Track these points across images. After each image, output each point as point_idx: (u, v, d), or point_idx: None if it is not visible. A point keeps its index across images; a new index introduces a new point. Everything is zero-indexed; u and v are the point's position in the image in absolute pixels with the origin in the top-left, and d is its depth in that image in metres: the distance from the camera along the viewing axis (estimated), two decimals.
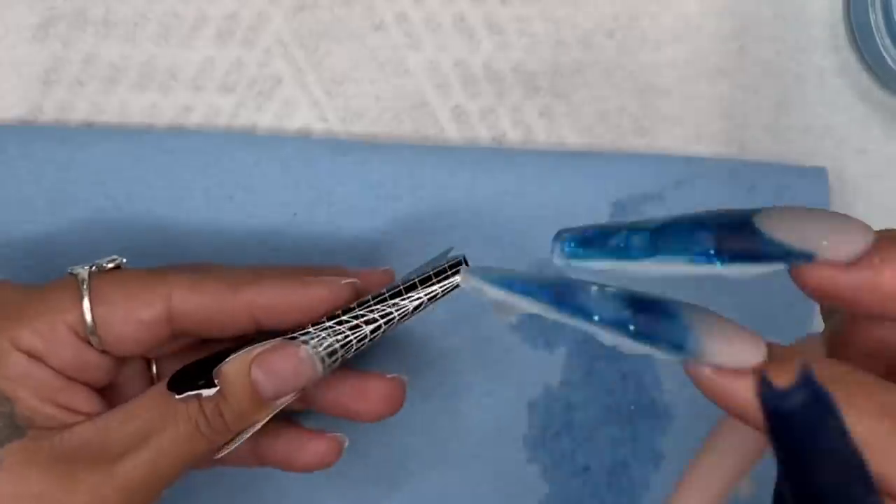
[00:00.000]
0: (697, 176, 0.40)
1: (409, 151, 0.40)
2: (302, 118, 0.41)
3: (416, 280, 0.33)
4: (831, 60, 0.42)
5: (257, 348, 0.32)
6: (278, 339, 0.33)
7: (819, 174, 0.40)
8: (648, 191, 0.40)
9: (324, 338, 0.33)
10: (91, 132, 0.40)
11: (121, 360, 0.34)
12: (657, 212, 0.40)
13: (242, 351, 0.32)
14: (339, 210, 0.39)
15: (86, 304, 0.32)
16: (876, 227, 0.42)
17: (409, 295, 0.33)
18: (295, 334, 0.33)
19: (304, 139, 0.40)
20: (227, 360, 0.32)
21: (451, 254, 0.34)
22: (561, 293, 0.25)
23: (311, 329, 0.33)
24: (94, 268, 0.33)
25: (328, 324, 0.33)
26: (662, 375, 0.40)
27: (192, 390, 0.32)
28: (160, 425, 0.32)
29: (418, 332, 0.40)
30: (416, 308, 0.33)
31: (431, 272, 0.33)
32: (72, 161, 0.39)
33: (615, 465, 0.40)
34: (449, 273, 0.33)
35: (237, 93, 0.41)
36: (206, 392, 0.32)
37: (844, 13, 0.42)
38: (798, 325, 0.40)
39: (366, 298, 0.33)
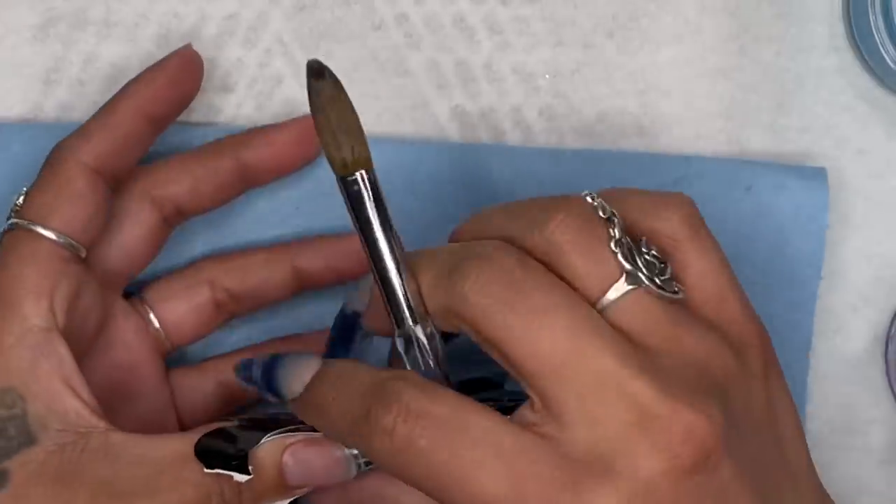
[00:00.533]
0: (697, 176, 0.40)
1: (409, 151, 0.40)
2: None
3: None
4: (831, 60, 0.42)
5: (292, 437, 0.31)
6: (319, 434, 0.31)
7: (819, 174, 0.40)
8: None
9: None
10: None
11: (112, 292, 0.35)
12: None
13: (278, 435, 0.31)
14: (339, 209, 0.39)
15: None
16: (875, 228, 0.42)
17: None
18: None
19: None
20: (261, 443, 0.31)
21: None
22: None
23: None
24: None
25: None
26: None
27: (223, 468, 0.30)
28: (171, 485, 0.30)
29: None
30: None
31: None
32: None
33: None
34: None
35: (237, 93, 0.41)
36: (237, 476, 0.30)
37: (844, 13, 0.42)
38: (796, 325, 0.40)
39: None
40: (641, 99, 0.41)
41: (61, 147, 0.34)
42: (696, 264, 0.29)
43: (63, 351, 0.32)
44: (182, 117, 0.41)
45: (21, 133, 0.39)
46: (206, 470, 0.30)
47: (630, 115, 0.41)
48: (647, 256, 0.28)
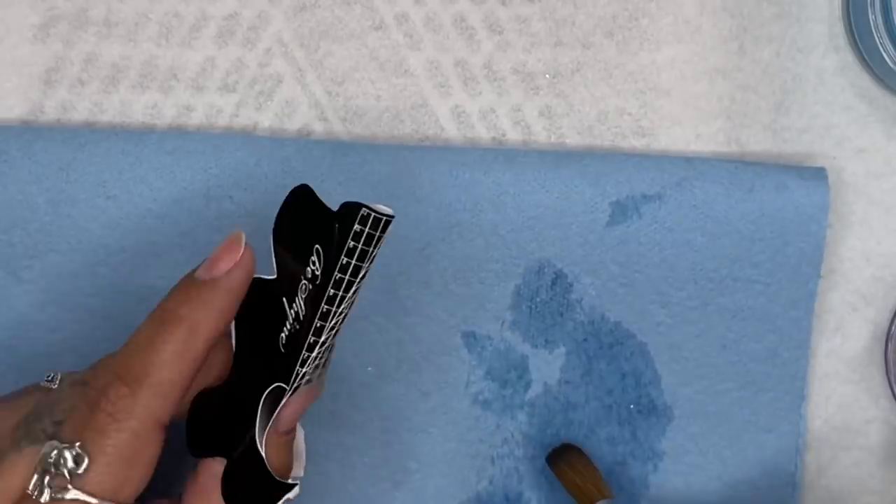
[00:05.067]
0: (697, 176, 0.40)
1: (409, 151, 0.40)
2: (302, 118, 0.41)
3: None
4: (831, 60, 0.42)
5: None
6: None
7: (819, 174, 0.40)
8: (648, 191, 0.40)
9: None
10: (92, 132, 0.40)
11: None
12: (656, 212, 0.40)
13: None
14: None
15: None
16: (874, 227, 0.42)
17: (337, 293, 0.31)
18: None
19: (304, 139, 0.41)
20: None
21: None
22: None
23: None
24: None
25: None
26: (662, 375, 0.40)
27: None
28: None
29: (418, 331, 0.40)
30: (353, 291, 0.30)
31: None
32: (73, 161, 0.39)
33: (614, 464, 0.40)
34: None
35: (238, 92, 0.41)
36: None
37: (843, 13, 0.42)
38: (796, 324, 0.40)
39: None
40: (641, 99, 0.42)
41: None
42: None
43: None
44: (181, 119, 0.41)
45: (19, 136, 0.39)
46: None
47: (630, 115, 0.42)
48: None
